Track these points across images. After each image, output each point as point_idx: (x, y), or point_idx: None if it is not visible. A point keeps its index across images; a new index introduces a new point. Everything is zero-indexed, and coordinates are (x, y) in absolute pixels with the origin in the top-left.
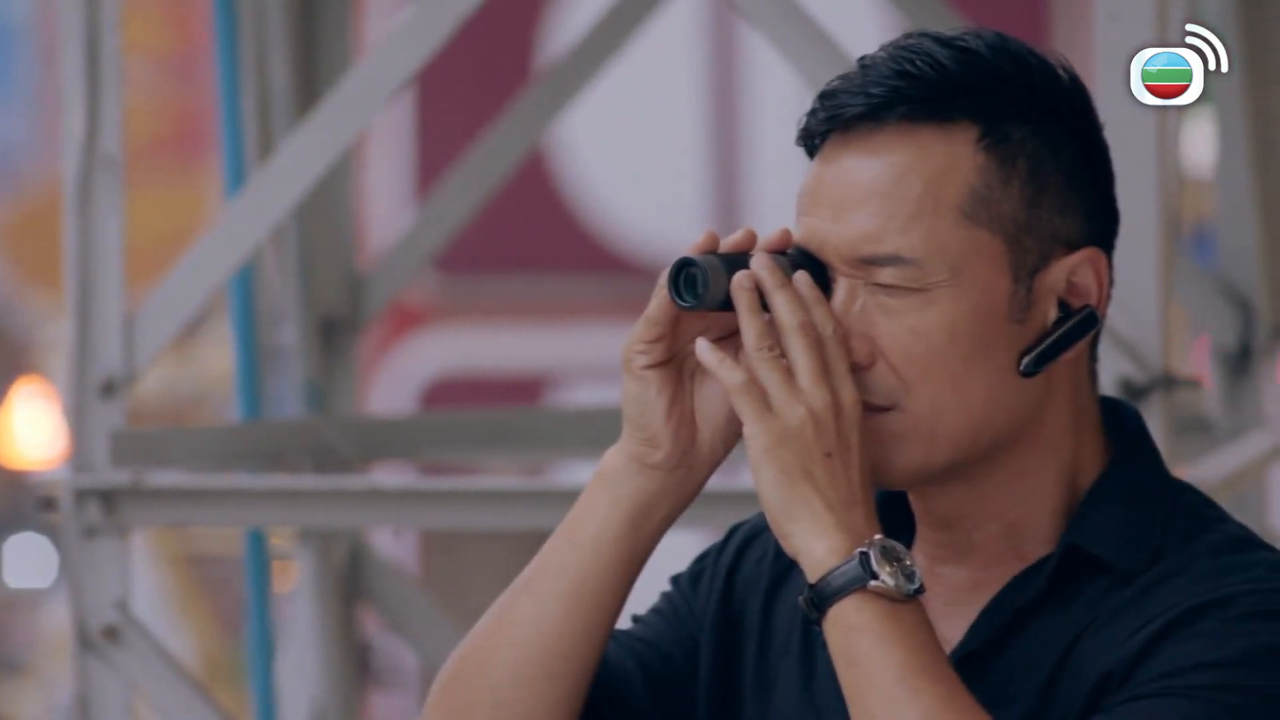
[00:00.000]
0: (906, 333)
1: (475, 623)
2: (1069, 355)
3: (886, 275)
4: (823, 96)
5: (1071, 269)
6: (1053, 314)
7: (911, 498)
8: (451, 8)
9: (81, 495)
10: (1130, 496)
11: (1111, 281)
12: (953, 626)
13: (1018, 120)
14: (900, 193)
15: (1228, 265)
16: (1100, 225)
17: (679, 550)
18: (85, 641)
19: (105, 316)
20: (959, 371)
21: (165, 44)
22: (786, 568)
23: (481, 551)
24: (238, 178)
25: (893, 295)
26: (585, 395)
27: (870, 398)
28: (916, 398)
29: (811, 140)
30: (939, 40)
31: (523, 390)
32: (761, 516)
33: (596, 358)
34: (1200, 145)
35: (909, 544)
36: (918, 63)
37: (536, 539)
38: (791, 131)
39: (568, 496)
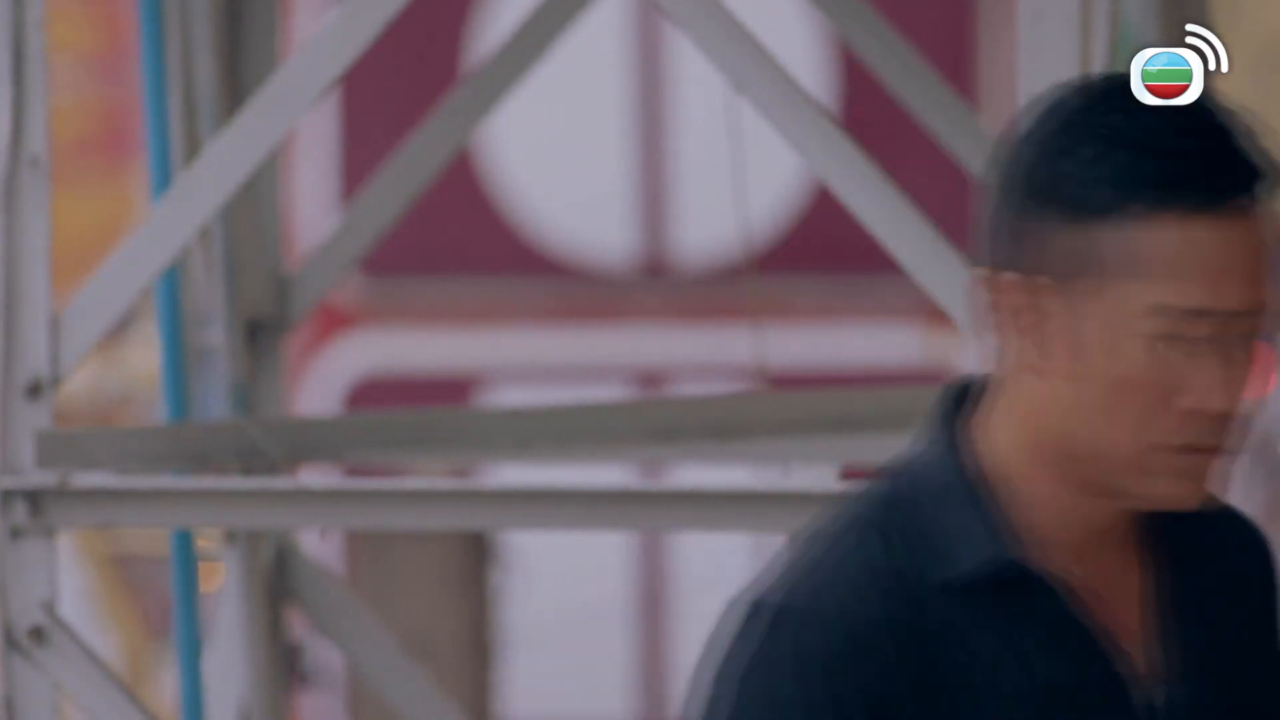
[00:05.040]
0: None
1: (402, 624)
2: None
3: (1250, 325)
4: (1205, 158)
5: None
6: None
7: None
8: (378, 9)
9: (8, 496)
10: None
11: None
12: (1131, 587)
13: None
14: (1271, 259)
15: None
16: None
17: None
18: (11, 643)
19: (31, 317)
20: None
21: (91, 44)
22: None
23: (409, 552)
24: (164, 179)
25: (1244, 348)
26: (513, 396)
27: (1224, 442)
28: (1231, 438)
29: (1182, 200)
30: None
31: (451, 392)
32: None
33: (524, 359)
34: None
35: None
36: (1259, 143)
37: (464, 540)
38: (718, 132)
39: (495, 498)
